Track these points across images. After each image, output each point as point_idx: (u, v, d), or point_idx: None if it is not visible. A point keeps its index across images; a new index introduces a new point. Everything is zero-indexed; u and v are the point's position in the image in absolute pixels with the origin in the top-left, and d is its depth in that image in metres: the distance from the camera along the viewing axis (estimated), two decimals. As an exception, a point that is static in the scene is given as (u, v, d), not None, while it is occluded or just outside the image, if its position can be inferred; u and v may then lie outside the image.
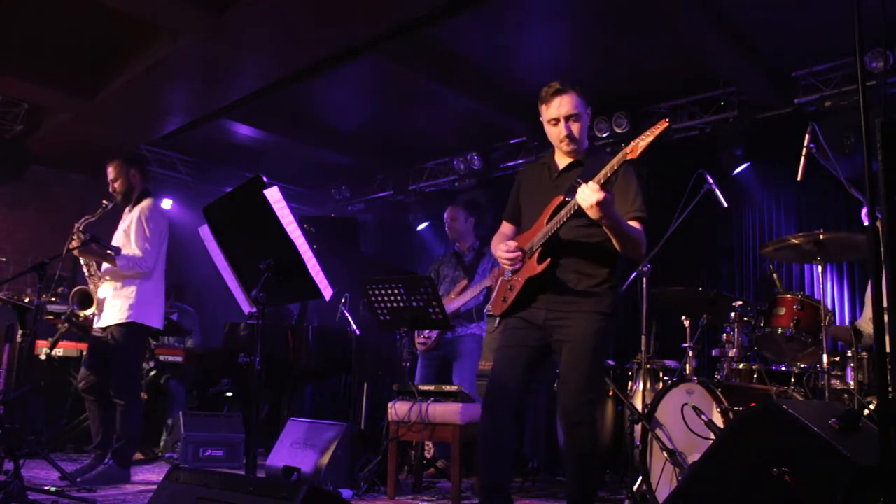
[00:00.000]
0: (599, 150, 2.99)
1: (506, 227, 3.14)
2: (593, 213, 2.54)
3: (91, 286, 4.47)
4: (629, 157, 2.52)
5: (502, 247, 2.85)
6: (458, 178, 7.62)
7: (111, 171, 4.51)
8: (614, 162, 2.54)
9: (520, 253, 2.80)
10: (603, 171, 2.56)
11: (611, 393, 4.87)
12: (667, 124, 2.52)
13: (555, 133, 2.88)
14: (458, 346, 4.91)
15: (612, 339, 2.90)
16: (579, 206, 2.57)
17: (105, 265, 4.37)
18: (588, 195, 2.51)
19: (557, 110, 2.82)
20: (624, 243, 2.73)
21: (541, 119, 2.95)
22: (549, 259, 2.72)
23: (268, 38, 5.26)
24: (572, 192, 2.70)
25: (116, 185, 4.49)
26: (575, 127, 2.84)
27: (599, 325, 2.75)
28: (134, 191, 4.50)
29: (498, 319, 2.95)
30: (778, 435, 2.18)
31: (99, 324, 4.35)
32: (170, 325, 5.82)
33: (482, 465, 2.82)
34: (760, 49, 5.44)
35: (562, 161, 2.96)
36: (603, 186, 2.52)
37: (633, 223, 2.77)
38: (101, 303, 4.34)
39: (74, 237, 4.27)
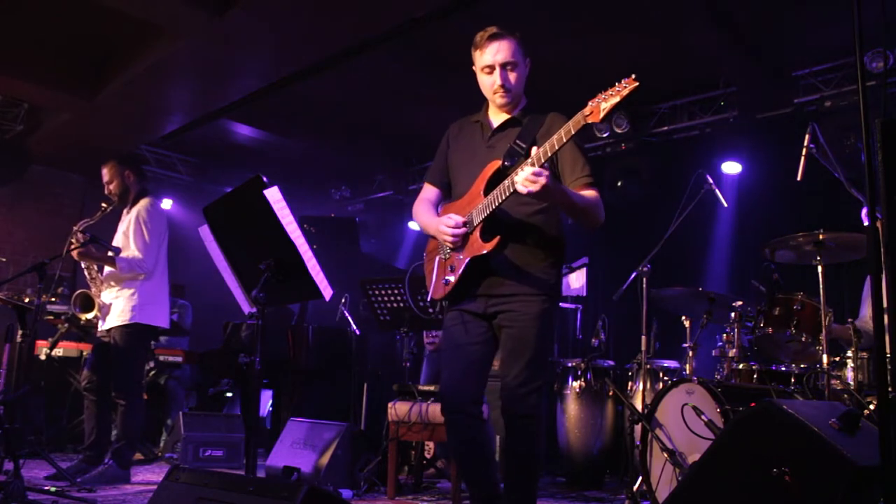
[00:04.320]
0: (538, 108, 2.66)
1: (429, 191, 2.79)
2: (537, 198, 2.32)
3: (93, 289, 4.47)
4: (589, 119, 2.20)
5: (446, 221, 2.51)
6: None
7: (105, 174, 4.50)
8: (570, 126, 2.22)
9: (465, 229, 2.49)
10: (556, 138, 2.24)
11: (611, 393, 4.87)
12: (636, 84, 2.15)
13: (488, 82, 2.60)
14: None
15: (555, 321, 2.64)
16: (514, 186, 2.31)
17: (107, 268, 4.38)
18: (527, 183, 2.23)
19: (493, 56, 2.55)
20: (576, 216, 2.51)
21: (473, 68, 2.65)
22: (497, 237, 2.41)
23: (268, 38, 5.26)
24: (512, 156, 2.47)
25: (111, 186, 4.49)
26: (511, 76, 2.57)
27: (542, 308, 2.49)
28: (130, 191, 4.50)
29: (440, 304, 2.65)
30: (778, 435, 2.18)
31: (103, 326, 4.35)
32: (170, 325, 5.83)
33: (467, 484, 2.62)
34: (760, 49, 5.44)
35: (496, 117, 2.67)
36: (548, 160, 2.28)
37: (585, 191, 2.49)
38: (105, 307, 4.34)
39: (73, 240, 4.27)
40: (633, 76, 2.17)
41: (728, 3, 4.92)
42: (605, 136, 6.42)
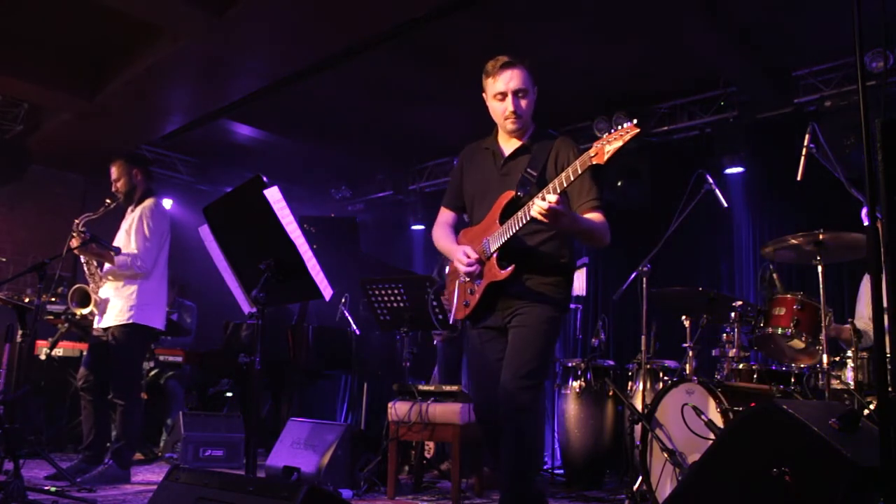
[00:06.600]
0: (544, 134, 2.84)
1: (447, 215, 3.00)
2: (550, 226, 2.48)
3: (91, 285, 4.47)
4: (594, 161, 2.37)
5: (461, 256, 2.72)
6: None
7: (114, 171, 4.52)
8: (577, 166, 2.41)
9: (478, 266, 2.71)
10: (564, 176, 2.44)
11: (611, 393, 4.87)
12: (637, 130, 2.34)
13: (499, 109, 2.75)
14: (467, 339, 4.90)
15: (560, 330, 2.83)
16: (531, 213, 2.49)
17: (107, 265, 4.38)
18: (545, 211, 2.40)
19: (505, 84, 2.69)
20: (585, 239, 2.72)
21: (483, 95, 2.82)
22: (513, 266, 2.62)
23: (268, 37, 5.26)
24: (524, 186, 2.64)
25: (119, 184, 4.50)
26: (522, 103, 2.72)
27: (551, 314, 2.68)
28: (136, 191, 4.51)
29: (460, 323, 2.86)
30: (778, 435, 2.18)
31: (100, 324, 4.35)
32: (169, 324, 5.83)
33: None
34: (760, 49, 5.44)
35: (507, 145, 2.83)
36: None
37: (592, 214, 2.68)
38: (102, 303, 4.34)
39: (74, 234, 4.27)
40: (635, 121, 2.34)
41: (728, 3, 4.92)
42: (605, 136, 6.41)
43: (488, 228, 2.72)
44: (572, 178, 2.42)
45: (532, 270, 2.69)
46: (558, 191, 2.44)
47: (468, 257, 2.70)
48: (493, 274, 2.67)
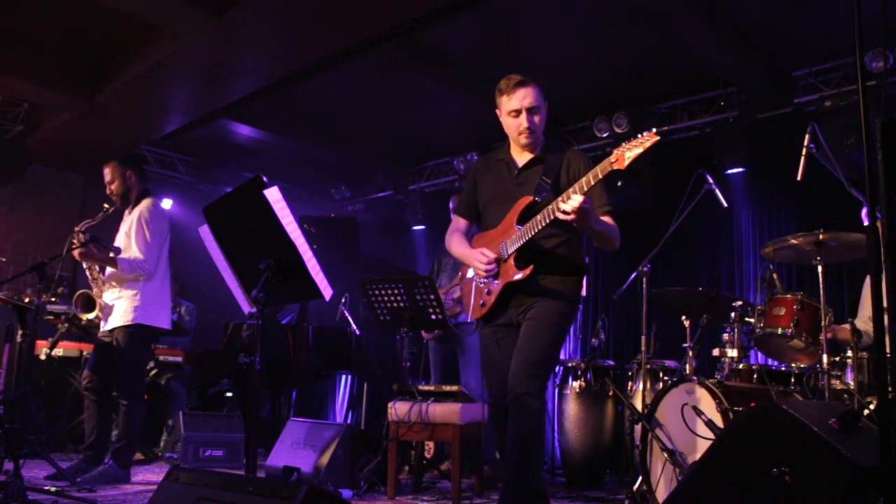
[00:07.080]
0: (555, 146, 2.99)
1: (460, 223, 3.13)
2: (577, 223, 2.57)
3: (95, 290, 4.47)
4: (615, 166, 2.49)
5: (480, 258, 2.84)
6: (458, 178, 7.61)
7: (107, 174, 4.50)
8: (598, 171, 2.53)
9: (496, 266, 2.82)
10: (585, 180, 2.55)
11: (611, 393, 4.87)
12: (657, 138, 2.47)
13: (514, 125, 2.88)
14: (463, 340, 4.90)
15: (570, 326, 2.94)
16: (555, 213, 2.59)
17: (109, 269, 4.37)
18: (576, 208, 2.51)
19: (520, 102, 2.83)
20: (601, 241, 2.80)
21: (497, 112, 2.95)
22: (532, 266, 2.74)
23: (268, 37, 5.26)
24: (540, 192, 2.77)
25: (113, 187, 4.49)
26: (535, 119, 2.85)
27: (563, 309, 2.81)
28: (131, 192, 4.50)
29: (476, 322, 2.97)
30: (778, 435, 2.18)
31: (105, 327, 4.35)
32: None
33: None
34: (760, 49, 5.44)
35: (520, 157, 2.96)
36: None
37: (605, 218, 2.79)
38: (107, 308, 4.34)
39: (74, 239, 4.27)
40: (654, 130, 2.47)
41: (728, 3, 4.92)
42: (605, 136, 6.40)
43: (505, 232, 2.83)
44: (592, 182, 2.53)
45: (548, 271, 2.81)
46: (585, 189, 2.53)
47: (486, 257, 2.81)
48: (510, 274, 2.78)
